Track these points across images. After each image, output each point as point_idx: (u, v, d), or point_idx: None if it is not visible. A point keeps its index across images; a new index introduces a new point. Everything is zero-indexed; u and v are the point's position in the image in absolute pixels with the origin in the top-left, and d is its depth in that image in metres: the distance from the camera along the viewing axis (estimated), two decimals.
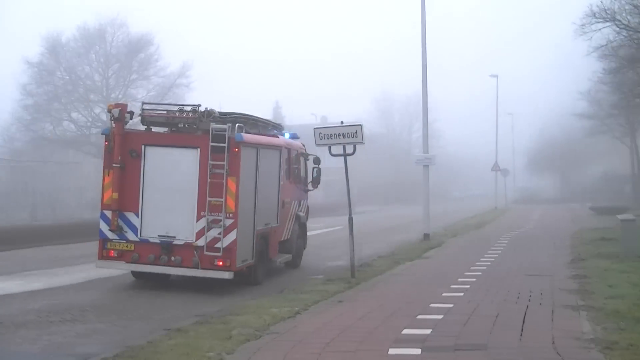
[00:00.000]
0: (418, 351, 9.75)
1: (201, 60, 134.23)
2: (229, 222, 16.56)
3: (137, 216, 17.13)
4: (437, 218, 40.20)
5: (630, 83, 46.37)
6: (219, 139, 16.58)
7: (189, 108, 17.42)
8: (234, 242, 16.57)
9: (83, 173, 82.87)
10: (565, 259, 22.18)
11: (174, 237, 16.84)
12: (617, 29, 34.85)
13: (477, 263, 21.03)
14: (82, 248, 28.42)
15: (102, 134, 18.01)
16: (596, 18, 33.61)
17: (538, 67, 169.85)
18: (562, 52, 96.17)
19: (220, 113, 17.45)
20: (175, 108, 17.95)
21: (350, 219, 18.98)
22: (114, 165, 17.16)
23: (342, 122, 18.75)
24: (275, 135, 20.71)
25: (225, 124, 16.78)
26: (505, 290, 15.55)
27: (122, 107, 17.41)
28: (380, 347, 9.95)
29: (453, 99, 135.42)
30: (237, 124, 16.99)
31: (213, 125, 16.79)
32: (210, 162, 16.58)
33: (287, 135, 21.96)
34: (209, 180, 16.56)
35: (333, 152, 18.70)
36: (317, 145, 18.88)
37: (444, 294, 14.85)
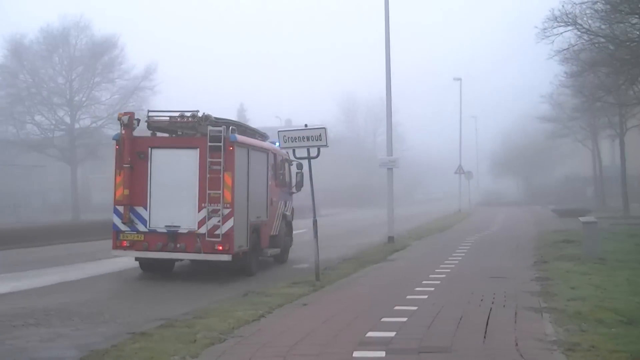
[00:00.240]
0: (382, 354, 9.76)
1: (165, 63, 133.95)
2: (226, 211, 19.03)
3: (146, 210, 19.60)
4: (401, 221, 40.31)
5: (591, 86, 46.80)
6: (216, 139, 19.03)
7: (189, 114, 19.66)
8: (232, 229, 19.04)
9: (47, 176, 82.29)
10: (528, 262, 22.32)
11: (179, 226, 19.30)
12: (579, 33, 35.12)
13: (442, 266, 21.10)
14: (47, 251, 28.30)
15: (113, 139, 20.29)
16: (558, 22, 33.83)
17: (501, 70, 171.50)
18: (524, 56, 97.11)
19: (215, 118, 19.76)
20: (177, 114, 19.96)
21: (315, 222, 19.00)
22: (124, 166, 19.62)
23: (306, 125, 18.77)
24: (262, 138, 23.43)
25: (217, 127, 19.25)
26: (469, 292, 15.61)
27: (131, 115, 19.85)
28: (345, 350, 9.95)
29: (417, 103, 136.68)
30: (230, 127, 19.61)
31: (210, 127, 19.21)
32: (208, 159, 19.03)
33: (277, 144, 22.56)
34: (208, 175, 19.01)
35: (297, 155, 19.13)
36: (282, 148, 19.11)
37: (408, 297, 14.89)
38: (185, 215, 19.33)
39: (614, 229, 35.84)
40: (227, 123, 20.18)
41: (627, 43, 34.94)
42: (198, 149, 19.34)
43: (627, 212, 50.10)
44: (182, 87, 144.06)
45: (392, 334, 11.01)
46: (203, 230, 19.05)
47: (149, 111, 20.90)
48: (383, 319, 12.23)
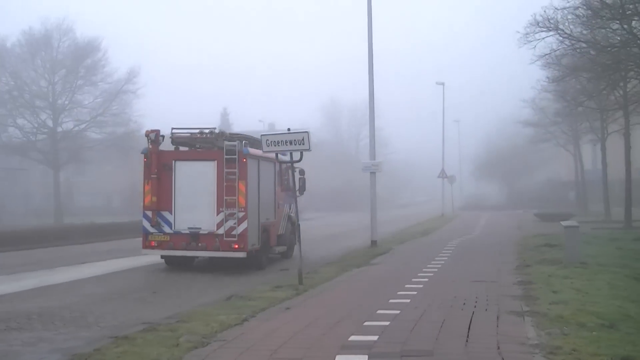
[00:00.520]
0: (365, 357, 9.78)
1: (148, 66, 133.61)
2: (241, 214, 22.11)
3: (171, 214, 22.68)
4: (384, 225, 40.38)
5: (573, 91, 47.07)
6: (231, 153, 22.06)
7: (207, 131, 22.92)
8: (246, 229, 22.15)
9: (29, 180, 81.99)
10: (511, 266, 22.37)
11: (200, 228, 22.35)
12: (560, 38, 35.29)
13: (424, 269, 21.14)
14: (29, 255, 28.20)
15: (141, 153, 23.19)
16: (540, 27, 33.98)
17: (484, 75, 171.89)
18: (507, 61, 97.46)
19: (230, 134, 22.91)
20: (197, 131, 23.07)
21: (298, 226, 19.13)
22: (152, 176, 22.66)
23: (289, 129, 18.79)
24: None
25: (232, 142, 22.24)
26: (451, 296, 15.64)
27: (157, 132, 22.83)
28: (327, 354, 9.97)
29: (400, 107, 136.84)
30: (243, 141, 22.74)
31: (226, 142, 22.27)
32: (225, 170, 22.06)
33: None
34: (224, 184, 22.06)
35: (280, 160, 19.39)
36: (264, 152, 19.20)
37: (391, 301, 14.91)
38: (205, 218, 22.38)
39: (596, 233, 36.02)
40: (240, 138, 23.38)
41: (608, 48, 35.16)
42: (215, 161, 22.38)
43: (609, 216, 50.32)
44: (166, 91, 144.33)
45: (375, 337, 11.03)
46: (221, 231, 22.16)
47: (172, 128, 23.47)
48: (366, 323, 12.25)
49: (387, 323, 12.22)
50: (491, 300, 15.02)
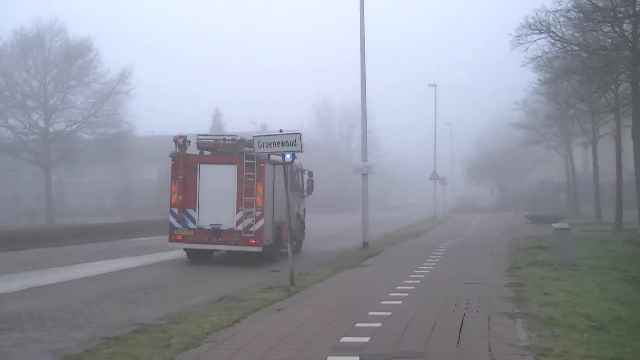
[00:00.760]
0: (356, 359, 9.81)
1: (140, 67, 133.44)
2: (258, 213, 24.49)
3: (195, 211, 25.04)
4: (376, 226, 40.41)
5: (564, 94, 47.21)
6: (250, 158, 24.33)
7: (229, 138, 25.72)
8: (262, 227, 24.55)
9: (21, 180, 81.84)
10: (502, 267, 22.43)
11: (221, 224, 24.77)
12: (552, 40, 35.41)
13: (416, 271, 21.17)
14: (20, 255, 28.13)
15: (169, 156, 25.48)
16: (532, 30, 34.07)
17: (476, 77, 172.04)
18: (499, 63, 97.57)
19: (249, 141, 23.07)
20: (220, 138, 25.85)
21: (290, 227, 19.14)
22: (178, 177, 25.07)
23: (281, 131, 18.78)
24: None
25: (251, 147, 22.52)
26: (443, 298, 15.67)
27: (184, 138, 25.05)
28: (319, 356, 9.99)
29: (392, 109, 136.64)
30: None
31: (246, 148, 24.36)
32: (244, 173, 24.48)
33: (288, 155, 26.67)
34: (244, 185, 24.46)
35: (272, 161, 19.44)
36: (257, 153, 19.19)
37: (382, 302, 14.93)
38: (225, 216, 24.75)
39: (587, 235, 36.14)
40: None
41: (600, 51, 35.29)
42: (236, 165, 24.77)
43: (600, 218, 50.45)
44: (158, 92, 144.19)
45: (366, 339, 11.05)
46: (240, 227, 24.58)
47: (198, 135, 26.08)
48: (357, 325, 12.27)
49: (378, 324, 12.25)
50: (482, 302, 15.05)
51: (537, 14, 33.62)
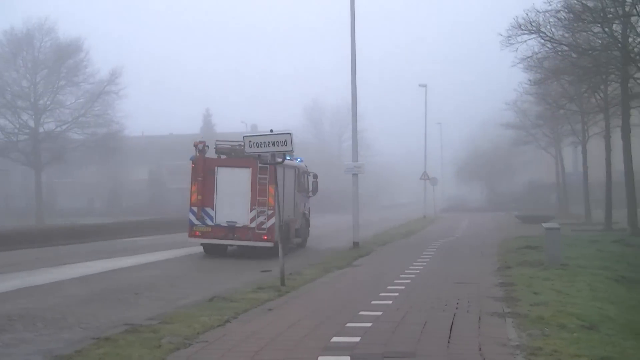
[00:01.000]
0: (347, 359, 9.82)
1: (130, 67, 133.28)
2: (270, 212, 26.82)
3: (213, 210, 27.70)
4: (366, 226, 40.42)
5: (554, 94, 47.38)
6: (264, 162, 24.50)
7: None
8: (273, 225, 26.53)
9: (11, 181, 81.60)
10: (492, 267, 22.46)
11: (236, 222, 27.34)
12: (542, 41, 35.45)
13: (406, 271, 21.19)
14: (10, 256, 28.07)
15: (189, 159, 28.27)
16: (522, 30, 34.11)
17: (467, 77, 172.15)
18: (489, 63, 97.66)
19: None
20: (237, 143, 27.33)
21: (280, 227, 19.18)
22: (198, 179, 27.76)
23: (271, 131, 18.77)
24: (291, 160, 30.01)
25: None
26: (433, 298, 15.69)
27: (204, 143, 27.99)
28: (310, 356, 10.00)
29: (383, 109, 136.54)
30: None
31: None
32: (258, 175, 26.93)
33: (299, 159, 32.47)
34: (257, 187, 26.99)
35: (262, 160, 19.46)
36: (247, 153, 19.16)
37: (373, 302, 14.95)
38: (240, 214, 27.32)
39: (576, 235, 36.28)
40: None
41: (590, 51, 35.37)
42: (250, 168, 26.99)
43: (589, 218, 50.56)
44: (148, 92, 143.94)
45: (357, 339, 11.07)
46: (253, 225, 27.16)
47: (216, 141, 29.14)
48: (348, 324, 12.29)
49: (369, 324, 12.26)
50: (473, 301, 15.07)
51: (527, 14, 33.69)
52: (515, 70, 40.90)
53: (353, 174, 32.17)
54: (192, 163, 28.09)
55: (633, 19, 33.10)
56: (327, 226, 38.43)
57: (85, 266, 24.57)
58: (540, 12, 33.51)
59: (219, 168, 27.98)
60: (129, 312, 14.67)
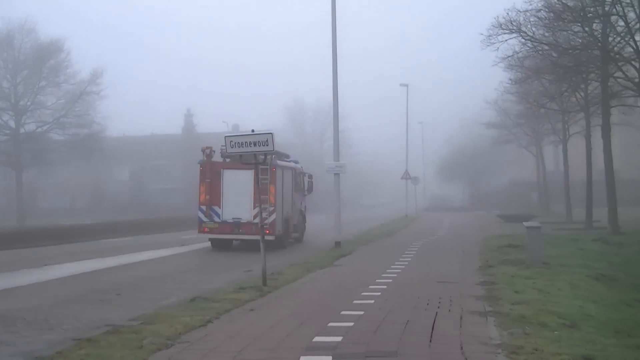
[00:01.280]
0: (329, 358, 9.82)
1: (111, 67, 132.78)
2: (271, 209, 29.79)
3: (219, 208, 30.61)
4: (348, 226, 40.47)
5: (535, 93, 47.54)
6: (264, 164, 26.25)
7: None
8: (275, 220, 30.14)
9: None
10: (474, 266, 22.50)
11: (241, 218, 30.16)
12: (523, 40, 35.59)
13: (388, 270, 21.21)
14: None
15: (198, 163, 31.36)
16: (502, 29, 34.23)
17: (448, 76, 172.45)
18: (471, 63, 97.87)
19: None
20: None
21: (262, 227, 19.15)
22: (206, 180, 30.73)
23: (253, 131, 18.74)
24: (288, 161, 34.55)
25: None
26: (415, 297, 15.71)
27: (210, 148, 30.74)
28: (292, 355, 10.00)
29: (365, 109, 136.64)
30: (272, 156, 27.94)
31: (260, 156, 26.98)
32: (260, 176, 25.90)
33: (292, 160, 35.74)
34: (259, 186, 25.83)
35: (244, 160, 19.38)
36: (229, 152, 19.13)
37: (355, 301, 14.96)
38: (244, 211, 30.01)
39: (557, 233, 36.43)
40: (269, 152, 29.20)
41: (570, 51, 35.54)
42: (253, 170, 26.99)
43: (570, 217, 50.79)
44: (130, 92, 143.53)
45: (339, 338, 11.07)
46: (256, 220, 27.62)
47: (222, 146, 28.30)
48: (330, 324, 12.29)
49: (351, 324, 12.27)
50: (454, 300, 15.10)
51: (507, 13, 33.83)
52: (496, 69, 41.05)
53: (335, 174, 32.18)
54: (200, 166, 31.12)
55: (613, 18, 33.29)
56: (308, 226, 38.46)
57: (67, 267, 24.48)
58: (520, 12, 33.68)
59: (224, 170, 30.71)
60: (111, 313, 14.62)
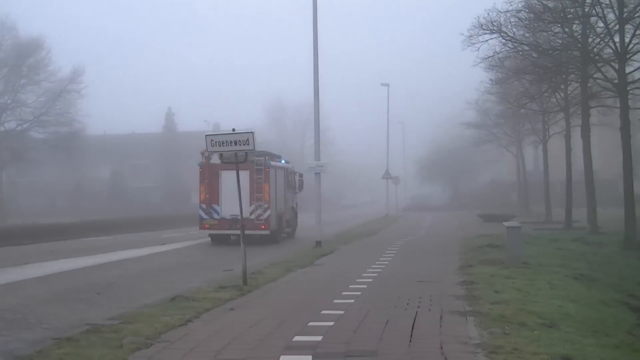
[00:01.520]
0: (309, 358, 9.83)
1: (93, 64, 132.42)
2: (265, 206, 32.95)
3: (218, 206, 33.19)
4: (329, 225, 40.51)
5: (515, 93, 47.68)
6: (259, 165, 32.91)
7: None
8: (269, 216, 33.10)
9: None
10: (454, 266, 22.56)
11: (238, 215, 28.59)
12: (503, 40, 35.61)
13: (369, 270, 21.24)
14: None
15: (197, 165, 34.20)
16: (483, 30, 34.24)
17: (428, 76, 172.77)
18: (451, 63, 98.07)
19: (258, 152, 30.27)
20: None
21: (243, 227, 19.19)
22: (205, 181, 33.58)
23: (233, 130, 18.74)
24: (281, 162, 37.63)
25: (260, 157, 32.82)
26: (395, 296, 15.74)
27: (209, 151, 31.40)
28: (272, 355, 10.00)
29: (345, 108, 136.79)
30: (265, 157, 33.84)
31: (256, 158, 31.98)
32: (255, 176, 32.71)
33: (283, 161, 38.54)
34: (255, 185, 32.60)
35: (224, 159, 19.43)
36: (209, 152, 19.12)
37: (335, 301, 14.97)
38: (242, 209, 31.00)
39: (537, 233, 36.60)
40: (263, 154, 34.00)
41: (550, 51, 35.64)
42: (249, 170, 31.58)
43: (550, 217, 50.98)
44: (110, 90, 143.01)
45: (319, 338, 11.08)
46: (253, 216, 32.44)
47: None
48: (310, 323, 12.30)
49: (331, 323, 12.28)
50: (434, 300, 15.13)
51: (488, 14, 33.85)
52: (476, 69, 41.13)
53: (315, 173, 32.27)
54: (200, 168, 33.87)
55: (592, 19, 33.39)
56: None
57: (47, 266, 24.39)
58: (501, 12, 33.69)
59: (222, 171, 32.38)
60: (91, 312, 14.57)
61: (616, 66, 31.77)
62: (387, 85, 74.63)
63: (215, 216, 33.23)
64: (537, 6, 33.46)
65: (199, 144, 25.50)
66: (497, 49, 36.84)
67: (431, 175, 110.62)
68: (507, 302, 14.39)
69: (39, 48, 69.74)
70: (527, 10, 33.68)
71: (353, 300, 15.10)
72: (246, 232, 29.17)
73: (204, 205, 33.69)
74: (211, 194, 33.32)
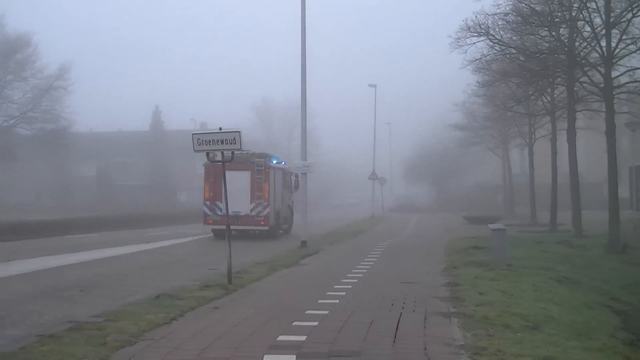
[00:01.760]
0: (293, 358, 9.85)
1: (80, 61, 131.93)
2: (265, 203, 35.86)
3: (222, 203, 30.62)
4: (314, 226, 40.50)
5: (502, 96, 47.76)
6: (260, 165, 35.90)
7: (244, 152, 31.09)
8: (269, 213, 35.98)
9: None
10: (439, 267, 22.61)
11: (240, 212, 34.46)
12: (491, 43, 35.64)
13: (354, 270, 21.27)
14: None
15: (203, 165, 35.84)
16: (471, 32, 34.27)
17: (416, 78, 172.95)
18: (439, 65, 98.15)
19: (258, 153, 37.09)
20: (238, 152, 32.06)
21: (228, 226, 19.18)
22: (209, 180, 35.92)
23: (220, 129, 18.74)
24: (280, 163, 40.37)
25: (260, 158, 36.31)
26: (380, 297, 15.77)
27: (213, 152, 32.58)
28: (256, 354, 10.01)
29: (333, 109, 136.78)
30: (265, 158, 36.83)
31: (256, 159, 36.13)
32: (256, 176, 35.70)
33: (281, 162, 41.22)
34: (255, 185, 35.36)
35: (210, 158, 19.39)
36: (196, 151, 19.09)
37: (320, 301, 14.99)
38: (243, 206, 35.05)
39: (522, 235, 36.69)
40: (263, 155, 37.39)
41: (537, 55, 35.76)
42: (250, 171, 35.57)
43: (535, 219, 51.06)
44: (97, 87, 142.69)
45: (303, 337, 11.10)
46: (253, 213, 35.88)
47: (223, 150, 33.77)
48: (294, 323, 12.31)
49: (315, 323, 12.30)
50: (419, 301, 15.17)
51: (476, 16, 33.89)
52: (464, 72, 41.19)
53: (302, 173, 32.30)
54: (205, 168, 35.94)
55: (579, 23, 33.54)
56: None
57: (31, 262, 24.30)
58: (489, 15, 33.74)
59: (225, 171, 32.41)
60: (75, 310, 14.51)
61: (602, 70, 31.93)
62: (375, 86, 74.84)
63: (219, 212, 35.10)
64: (524, 9, 33.55)
65: (186, 142, 25.14)
66: (485, 52, 36.87)
67: (417, 177, 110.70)
68: (491, 304, 14.43)
69: (26, 44, 69.55)
70: (514, 13, 33.77)
71: (338, 301, 15.12)
72: (246, 227, 36.01)
73: (208, 202, 36.28)
74: (215, 192, 35.14)
